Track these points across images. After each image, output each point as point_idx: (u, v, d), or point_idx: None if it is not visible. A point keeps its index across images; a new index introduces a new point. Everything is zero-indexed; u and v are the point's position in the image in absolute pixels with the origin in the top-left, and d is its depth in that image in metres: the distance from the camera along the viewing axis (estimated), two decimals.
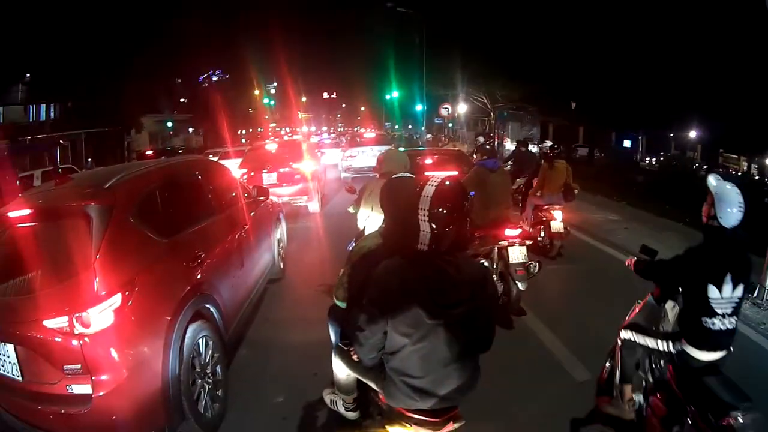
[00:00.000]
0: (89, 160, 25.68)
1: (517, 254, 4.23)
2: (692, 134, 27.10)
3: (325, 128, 69.69)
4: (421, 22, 25.00)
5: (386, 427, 1.81)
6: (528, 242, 4.37)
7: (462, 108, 28.73)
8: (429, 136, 32.58)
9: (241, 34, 41.80)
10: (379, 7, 29.28)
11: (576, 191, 6.53)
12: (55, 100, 25.59)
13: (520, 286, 4.17)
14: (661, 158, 25.84)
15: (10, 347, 2.33)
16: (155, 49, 25.10)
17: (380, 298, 1.68)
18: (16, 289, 2.41)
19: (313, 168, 9.65)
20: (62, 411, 2.29)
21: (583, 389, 3.13)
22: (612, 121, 22.79)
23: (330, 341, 2.62)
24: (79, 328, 2.22)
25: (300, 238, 7.45)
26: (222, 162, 8.14)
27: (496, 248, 4.37)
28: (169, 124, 38.81)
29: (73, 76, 21.53)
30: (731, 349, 2.33)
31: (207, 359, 2.90)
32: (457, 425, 1.77)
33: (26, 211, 2.62)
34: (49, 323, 2.23)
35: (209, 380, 2.89)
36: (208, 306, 3.03)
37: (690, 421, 2.16)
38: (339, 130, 64.76)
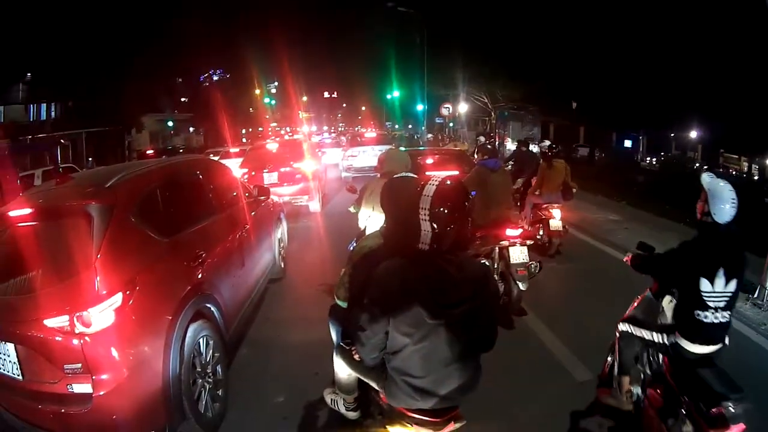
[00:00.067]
0: (90, 159, 25.69)
1: (518, 254, 4.22)
2: (693, 134, 27.11)
3: (326, 128, 69.66)
4: (421, 21, 25.00)
5: (387, 426, 1.81)
6: (529, 242, 4.37)
7: (463, 108, 28.75)
8: (430, 135, 32.57)
9: (241, 34, 41.94)
10: (379, 6, 29.28)
11: (574, 190, 6.60)
12: (56, 99, 25.62)
13: (521, 286, 4.17)
14: (662, 158, 25.80)
15: (10, 346, 2.33)
16: (155, 48, 25.11)
17: (381, 297, 1.68)
18: (17, 288, 2.41)
19: (314, 167, 9.65)
20: (62, 410, 2.29)
21: (584, 389, 3.14)
22: (613, 121, 22.78)
23: (331, 341, 2.63)
24: (79, 328, 2.22)
25: (301, 237, 7.45)
26: (223, 161, 8.13)
27: (497, 248, 4.37)
28: (170, 123, 38.87)
29: (73, 76, 21.57)
30: (726, 343, 2.38)
31: (208, 359, 2.90)
32: (457, 425, 1.77)
33: (27, 211, 2.62)
34: (50, 322, 2.22)
35: (210, 380, 2.89)
36: (208, 305, 3.03)
37: (684, 411, 2.21)
38: (340, 129, 64.77)
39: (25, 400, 2.39)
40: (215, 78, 44.56)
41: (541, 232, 6.32)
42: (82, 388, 2.26)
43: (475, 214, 1.87)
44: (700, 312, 2.27)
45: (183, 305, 2.68)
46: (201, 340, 2.84)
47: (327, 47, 73.87)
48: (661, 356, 2.52)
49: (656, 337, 2.50)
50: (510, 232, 4.29)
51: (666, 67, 16.86)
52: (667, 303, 2.54)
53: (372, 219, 3.33)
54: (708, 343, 2.31)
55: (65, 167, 15.62)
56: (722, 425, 2.01)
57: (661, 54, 16.71)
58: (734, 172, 25.45)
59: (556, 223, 6.07)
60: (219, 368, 3.04)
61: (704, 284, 2.25)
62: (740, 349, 3.74)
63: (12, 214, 2.61)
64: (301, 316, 4.42)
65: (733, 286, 2.26)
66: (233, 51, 39.50)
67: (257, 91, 48.80)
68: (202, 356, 2.84)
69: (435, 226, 1.64)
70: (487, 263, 4.33)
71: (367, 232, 3.13)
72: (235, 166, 8.54)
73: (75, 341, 2.22)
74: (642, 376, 2.71)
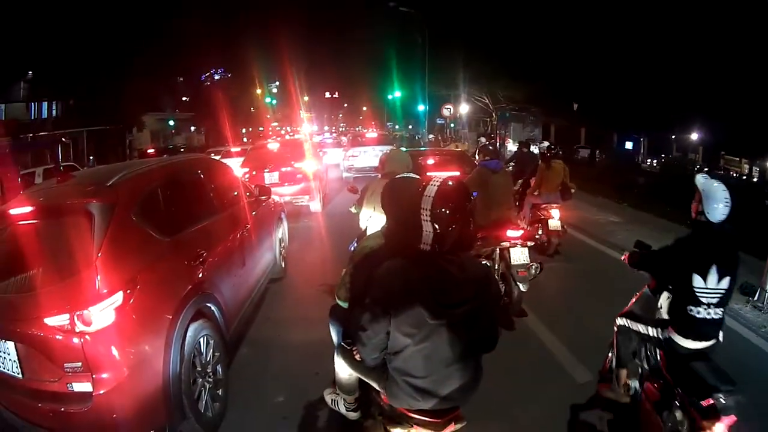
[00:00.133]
0: (91, 158, 25.74)
1: (518, 255, 4.22)
2: (694, 136, 27.12)
3: (327, 128, 69.68)
4: (423, 21, 25.01)
5: (387, 427, 1.81)
6: (530, 243, 4.37)
7: (464, 108, 28.77)
8: (431, 136, 32.57)
9: (242, 33, 42.04)
10: (381, 6, 29.28)
11: (573, 190, 6.68)
12: (57, 98, 25.64)
13: (522, 287, 4.17)
14: (663, 160, 25.77)
15: (10, 344, 2.33)
16: (156, 48, 25.13)
17: (383, 298, 1.68)
18: (18, 286, 2.41)
19: (315, 167, 9.64)
20: (62, 409, 2.29)
21: (584, 390, 3.14)
22: (614, 122, 22.77)
23: (331, 341, 2.62)
24: (80, 326, 2.21)
25: (301, 237, 7.45)
26: (224, 161, 8.13)
27: (497, 249, 4.37)
28: (171, 122, 38.91)
29: (74, 75, 21.60)
30: (720, 339, 2.43)
31: (208, 358, 2.90)
32: (458, 426, 1.77)
33: (28, 209, 2.62)
34: (50, 321, 2.22)
35: (210, 379, 2.89)
36: (209, 305, 3.03)
37: (678, 403, 2.26)
38: (341, 129, 64.75)
39: (25, 399, 2.38)
40: (216, 77, 44.60)
41: (539, 232, 6.37)
42: (82, 386, 2.25)
43: (476, 215, 1.87)
44: (692, 307, 2.33)
45: (184, 304, 2.68)
46: (201, 340, 2.84)
47: (328, 47, 74.05)
48: (658, 351, 2.57)
49: (652, 332, 2.56)
50: (511, 233, 4.29)
51: (667, 69, 16.85)
52: (665, 299, 2.58)
53: (373, 219, 3.33)
54: (700, 339, 2.36)
55: (66, 166, 15.62)
56: (713, 416, 2.05)
57: (663, 56, 16.70)
58: (735, 174, 25.41)
59: (554, 223, 6.14)
60: (219, 368, 3.04)
61: (697, 280, 2.31)
62: (740, 351, 3.75)
63: (13, 212, 2.61)
64: (302, 316, 4.41)
65: (725, 283, 2.31)
66: (234, 50, 39.56)
67: (258, 91, 48.80)
68: (202, 355, 2.84)
69: (436, 226, 1.63)
70: (487, 264, 4.33)
71: (369, 233, 3.12)
72: (236, 166, 8.53)
73: (75, 340, 2.22)
74: (640, 370, 2.77)
